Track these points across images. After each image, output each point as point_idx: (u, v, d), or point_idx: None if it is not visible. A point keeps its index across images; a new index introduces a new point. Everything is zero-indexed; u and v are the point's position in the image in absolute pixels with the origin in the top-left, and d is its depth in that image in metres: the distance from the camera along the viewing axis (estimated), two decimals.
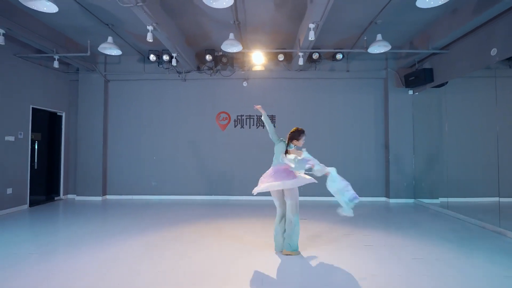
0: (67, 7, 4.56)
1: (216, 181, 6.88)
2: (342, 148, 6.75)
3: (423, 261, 3.10)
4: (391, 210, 5.71)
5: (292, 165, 3.06)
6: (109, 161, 6.98)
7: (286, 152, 3.21)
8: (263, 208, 5.74)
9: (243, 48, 5.36)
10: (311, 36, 4.36)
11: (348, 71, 6.81)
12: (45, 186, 6.44)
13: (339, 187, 2.98)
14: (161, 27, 4.52)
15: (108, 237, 3.90)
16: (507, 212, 4.09)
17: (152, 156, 6.94)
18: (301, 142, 3.28)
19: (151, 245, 3.57)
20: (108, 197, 6.94)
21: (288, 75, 6.88)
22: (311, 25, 4.27)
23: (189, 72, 6.88)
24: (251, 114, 6.91)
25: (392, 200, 6.51)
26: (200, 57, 6.71)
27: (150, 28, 4.35)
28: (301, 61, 5.51)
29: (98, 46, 5.24)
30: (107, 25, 5.15)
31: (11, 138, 5.44)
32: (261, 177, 3.30)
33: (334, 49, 6.29)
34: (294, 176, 3.13)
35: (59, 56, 5.64)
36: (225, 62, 6.44)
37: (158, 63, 6.58)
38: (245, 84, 6.88)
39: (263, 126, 6.70)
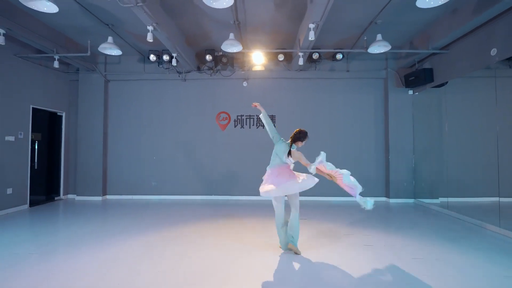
0: (67, 7, 4.56)
1: (216, 181, 6.87)
2: (342, 148, 6.75)
3: (423, 261, 3.10)
4: (391, 210, 5.71)
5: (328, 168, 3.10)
6: (109, 161, 6.98)
7: (289, 153, 3.21)
8: (263, 208, 5.74)
9: (243, 48, 5.37)
10: (311, 36, 4.36)
11: (348, 71, 6.81)
12: (45, 186, 6.44)
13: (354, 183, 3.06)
14: (161, 27, 4.52)
15: (108, 237, 3.91)
16: (507, 212, 4.09)
17: (152, 156, 6.94)
18: (303, 143, 3.32)
19: (151, 245, 3.57)
20: (108, 197, 6.94)
21: (288, 75, 6.88)
22: (311, 25, 4.27)
23: (189, 72, 6.89)
24: (251, 114, 6.91)
25: (392, 200, 6.51)
26: (200, 57, 6.71)
27: (150, 28, 4.35)
28: (301, 61, 5.51)
29: (98, 46, 5.24)
30: (107, 25, 5.15)
31: (11, 138, 5.44)
32: (266, 178, 3.24)
33: (334, 49, 6.29)
34: (299, 177, 3.18)
35: (59, 56, 5.64)
36: (225, 62, 6.44)
37: (158, 63, 6.58)
38: (245, 84, 6.88)
39: (263, 126, 6.68)
